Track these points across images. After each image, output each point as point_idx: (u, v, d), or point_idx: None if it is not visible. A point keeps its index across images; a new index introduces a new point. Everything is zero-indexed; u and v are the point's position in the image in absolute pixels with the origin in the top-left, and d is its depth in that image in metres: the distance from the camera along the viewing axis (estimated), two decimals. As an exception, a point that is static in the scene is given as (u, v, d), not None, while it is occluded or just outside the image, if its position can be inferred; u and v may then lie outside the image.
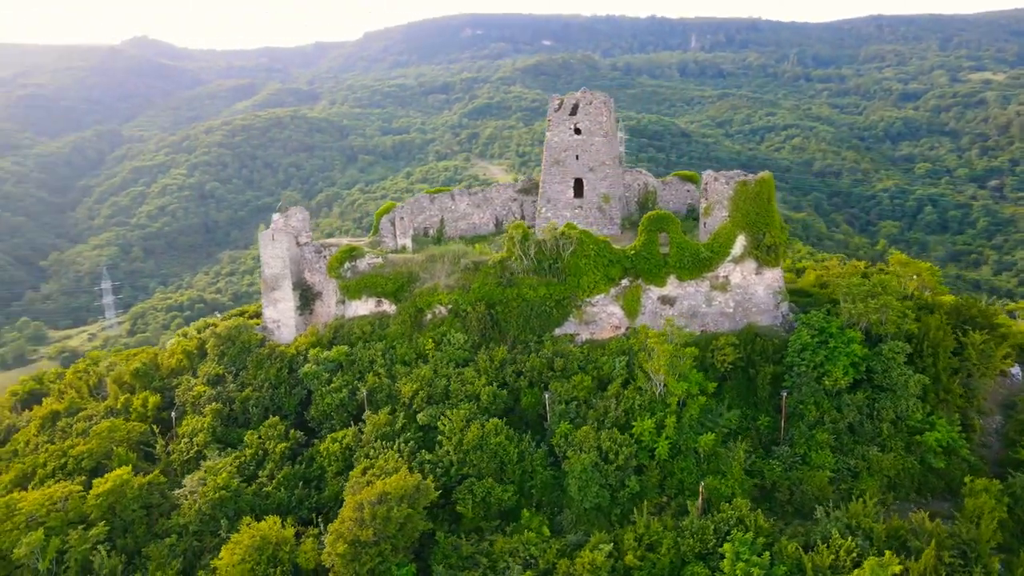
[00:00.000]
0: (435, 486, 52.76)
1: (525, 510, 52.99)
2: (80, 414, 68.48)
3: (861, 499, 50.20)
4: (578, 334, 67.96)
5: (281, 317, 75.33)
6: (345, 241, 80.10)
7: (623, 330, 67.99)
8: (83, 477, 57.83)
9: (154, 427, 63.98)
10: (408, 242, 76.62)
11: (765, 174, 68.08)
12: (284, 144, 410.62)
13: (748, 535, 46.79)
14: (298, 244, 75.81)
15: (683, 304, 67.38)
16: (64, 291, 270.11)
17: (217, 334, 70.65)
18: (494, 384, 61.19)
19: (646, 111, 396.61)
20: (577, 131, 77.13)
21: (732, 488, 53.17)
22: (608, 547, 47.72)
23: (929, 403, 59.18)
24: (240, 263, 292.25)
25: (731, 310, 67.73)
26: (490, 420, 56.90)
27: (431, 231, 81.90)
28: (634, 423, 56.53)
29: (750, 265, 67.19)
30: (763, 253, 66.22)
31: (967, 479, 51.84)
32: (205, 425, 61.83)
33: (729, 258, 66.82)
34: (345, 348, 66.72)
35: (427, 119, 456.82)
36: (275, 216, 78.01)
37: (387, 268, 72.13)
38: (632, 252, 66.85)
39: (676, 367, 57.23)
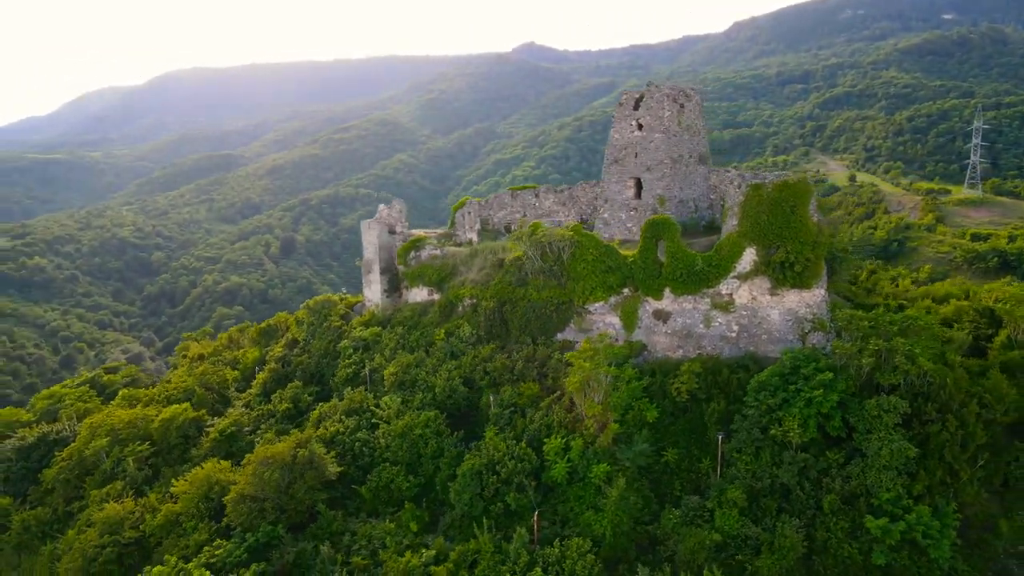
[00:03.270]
0: (360, 465, 57.48)
1: (408, 502, 54.53)
2: (217, 358, 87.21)
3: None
4: (576, 341, 65.07)
5: (373, 297, 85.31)
6: (437, 233, 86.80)
7: (620, 342, 63.20)
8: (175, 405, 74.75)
9: (233, 376, 79.00)
10: (474, 236, 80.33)
11: (794, 177, 57.25)
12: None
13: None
14: (391, 233, 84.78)
15: (676, 322, 60.19)
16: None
17: (308, 306, 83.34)
18: (457, 379, 62.70)
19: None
20: (640, 127, 72.33)
21: (605, 528, 47.82)
22: (431, 554, 47.59)
23: (920, 483, 44.88)
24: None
25: (734, 334, 58.41)
26: (423, 412, 59.09)
27: (513, 227, 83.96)
28: (546, 440, 53.70)
29: (762, 284, 57.18)
30: (776, 271, 55.82)
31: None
32: (260, 380, 74.66)
33: (733, 274, 57.70)
34: (377, 329, 73.87)
35: (776, 111, 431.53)
36: (381, 206, 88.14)
37: (438, 260, 77.19)
38: (631, 260, 61.77)
39: (594, 387, 52.66)
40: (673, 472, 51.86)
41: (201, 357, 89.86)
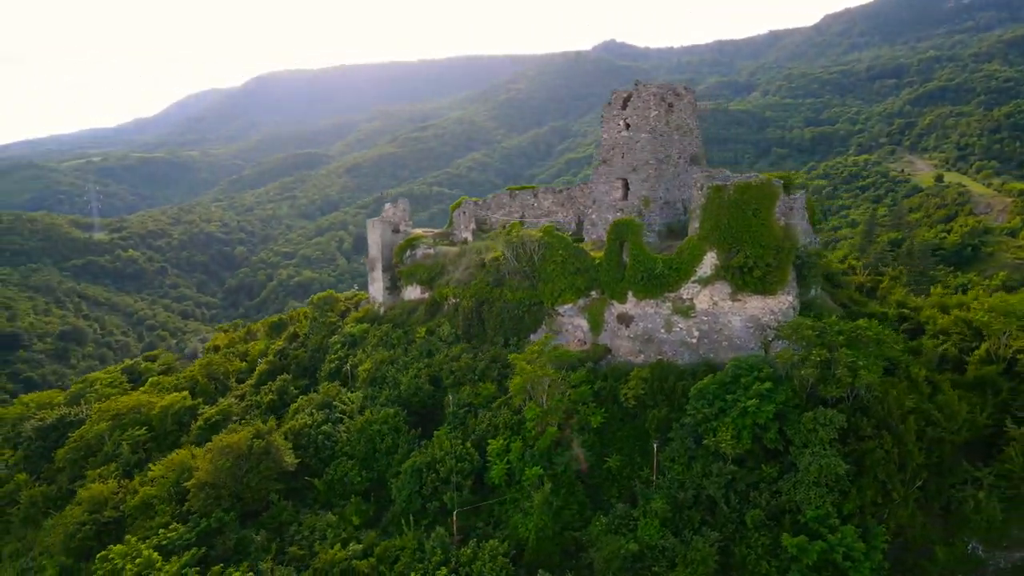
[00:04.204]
0: (322, 457, 59.33)
1: (355, 496, 55.70)
2: (231, 349, 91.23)
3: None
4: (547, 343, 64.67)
5: (376, 294, 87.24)
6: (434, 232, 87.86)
7: (587, 345, 62.48)
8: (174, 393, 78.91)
9: (236, 367, 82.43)
10: (469, 236, 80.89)
11: (757, 179, 55.16)
12: (701, 137, 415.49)
13: None
14: (394, 232, 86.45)
15: (638, 326, 58.92)
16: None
17: (312, 302, 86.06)
18: (424, 377, 63.51)
19: None
20: (628, 127, 71.09)
21: (530, 532, 47.54)
22: (358, 548, 48.59)
23: (852, 502, 42.51)
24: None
25: (694, 340, 56.70)
26: (384, 409, 60.22)
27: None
28: (490, 441, 53.77)
29: (723, 289, 55.32)
30: (735, 275, 53.95)
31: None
32: (258, 372, 77.77)
33: (694, 278, 56.02)
34: (365, 326, 75.64)
35: (863, 108, 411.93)
36: (387, 205, 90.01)
37: (430, 259, 78.22)
38: (597, 262, 60.96)
39: (536, 391, 52.35)
40: (614, 479, 51.00)
41: (216, 348, 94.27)
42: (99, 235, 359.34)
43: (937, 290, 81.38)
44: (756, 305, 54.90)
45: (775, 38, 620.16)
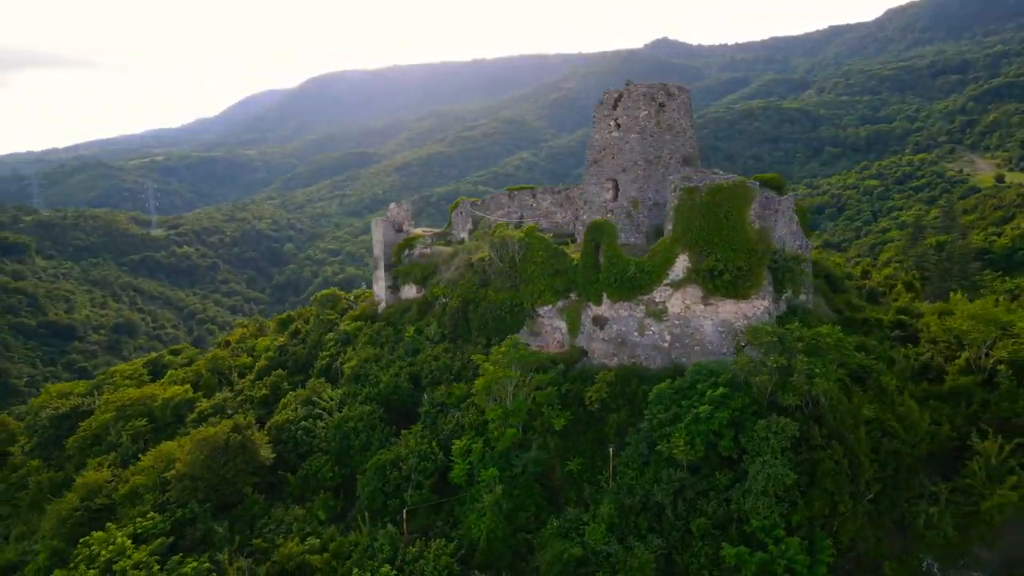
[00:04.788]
0: (300, 453, 60.62)
1: (324, 492, 56.61)
2: (241, 344, 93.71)
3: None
4: (528, 344, 64.53)
5: (379, 293, 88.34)
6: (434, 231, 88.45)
7: (566, 347, 62.12)
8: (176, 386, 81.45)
9: (241, 362, 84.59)
10: (465, 236, 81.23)
11: (729, 181, 54.06)
12: (750, 136, 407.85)
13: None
14: (397, 231, 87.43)
15: (612, 328, 58.26)
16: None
17: (316, 299, 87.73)
18: (404, 376, 64.15)
19: None
20: (618, 127, 70.36)
21: (481, 532, 47.63)
22: (315, 542, 49.47)
23: (800, 513, 41.29)
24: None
25: (666, 344, 55.80)
26: (360, 406, 61.05)
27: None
28: (455, 441, 54.01)
29: (694, 293, 54.32)
30: (705, 279, 52.93)
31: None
32: (257, 368, 79.74)
33: (666, 281, 55.13)
34: (359, 323, 76.76)
35: (924, 105, 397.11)
36: (391, 205, 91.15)
37: (425, 258, 78.86)
38: (575, 263, 60.56)
39: (499, 392, 52.37)
40: (575, 481, 50.65)
41: (227, 343, 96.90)
42: (156, 232, 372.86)
43: (955, 297, 78.01)
44: (729, 309, 53.76)
45: (833, 33, 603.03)
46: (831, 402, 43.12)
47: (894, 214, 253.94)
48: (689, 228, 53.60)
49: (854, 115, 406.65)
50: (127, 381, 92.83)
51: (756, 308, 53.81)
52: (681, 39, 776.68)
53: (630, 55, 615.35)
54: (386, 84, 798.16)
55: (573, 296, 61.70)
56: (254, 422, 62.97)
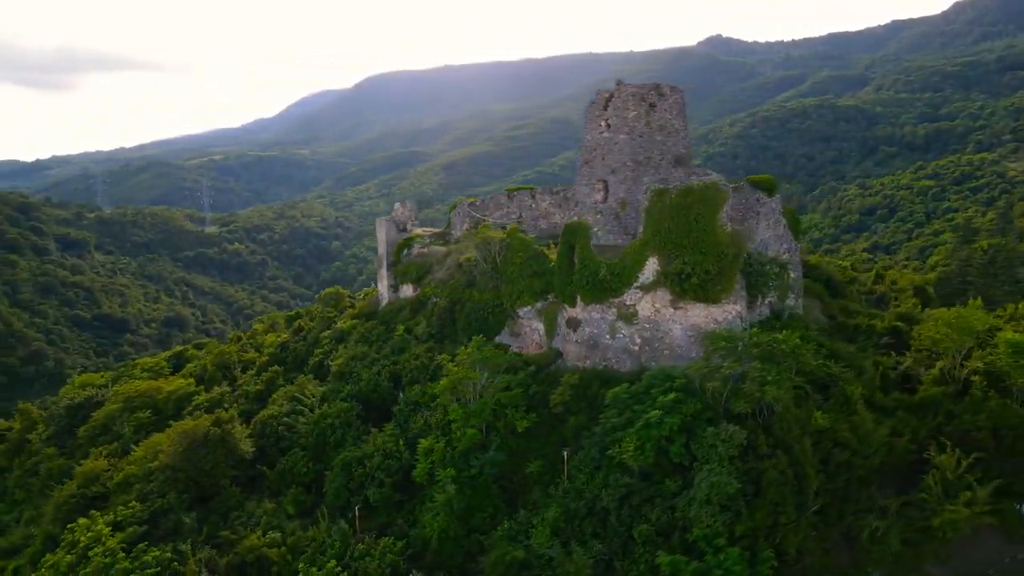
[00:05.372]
0: (281, 447, 61.94)
1: (296, 487, 57.61)
2: (251, 340, 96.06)
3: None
4: (509, 345, 64.47)
5: (383, 291, 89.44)
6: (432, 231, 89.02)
7: (544, 349, 61.83)
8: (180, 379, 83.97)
9: (249, 358, 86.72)
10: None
11: (700, 183, 52.99)
12: (802, 134, 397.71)
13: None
14: (400, 231, 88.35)
15: (584, 331, 57.73)
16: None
17: (320, 297, 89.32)
18: (384, 374, 64.82)
19: None
20: (609, 127, 69.61)
21: (434, 530, 47.85)
22: (275, 536, 50.48)
23: (744, 523, 40.23)
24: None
25: (636, 347, 55.04)
26: (338, 403, 61.96)
27: (491, 229, 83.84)
28: (421, 440, 54.32)
29: (664, 296, 53.45)
30: (675, 282, 52.03)
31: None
32: (258, 363, 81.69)
33: (637, 284, 54.37)
34: (353, 322, 77.89)
35: (989, 102, 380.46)
36: (396, 204, 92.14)
37: (422, 258, 79.50)
38: (552, 265, 60.24)
39: (462, 392, 52.51)
40: (535, 483, 50.41)
41: (239, 339, 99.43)
42: (210, 229, 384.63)
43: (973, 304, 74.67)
44: (698, 313, 52.72)
45: (896, 28, 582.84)
46: (781, 410, 41.89)
47: (948, 216, 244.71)
48: (658, 230, 52.80)
49: (913, 113, 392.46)
50: (144, 374, 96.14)
51: (727, 313, 52.63)
52: (736, 36, 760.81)
53: (681, 53, 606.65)
54: (437, 84, 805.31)
55: (551, 298, 61.39)
56: (237, 416, 64.52)
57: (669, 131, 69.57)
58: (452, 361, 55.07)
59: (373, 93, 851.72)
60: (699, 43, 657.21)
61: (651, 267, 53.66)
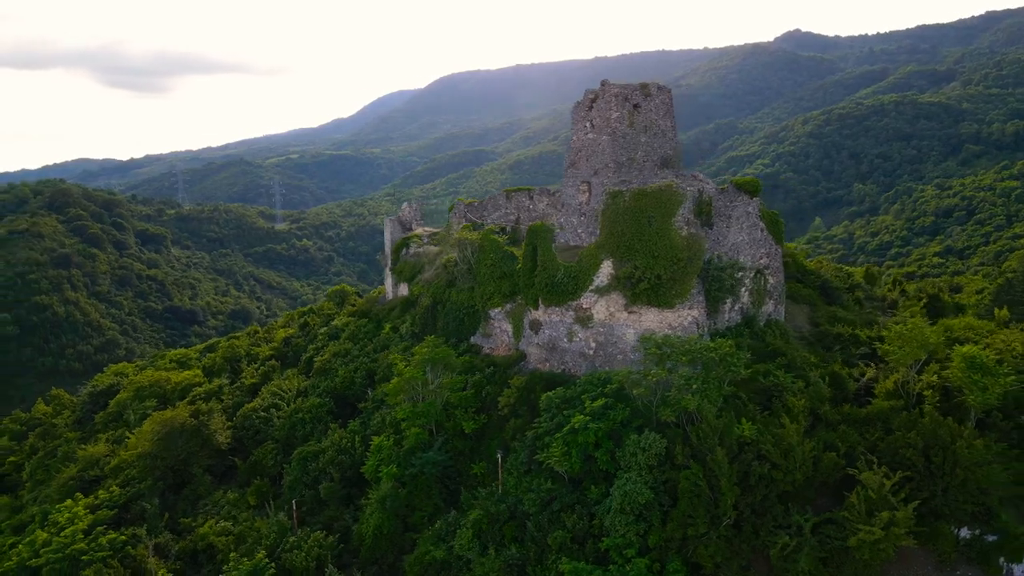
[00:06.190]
0: (258, 439, 63.99)
1: (259, 479, 59.23)
2: (264, 336, 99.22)
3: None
4: (482, 346, 64.53)
5: (388, 290, 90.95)
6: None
7: (512, 350, 61.59)
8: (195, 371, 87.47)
9: (249, 351, 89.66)
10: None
11: (654, 185, 51.86)
12: (879, 133, 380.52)
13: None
14: (405, 231, 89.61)
15: (545, 333, 57.21)
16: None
17: (328, 294, 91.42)
18: (360, 371, 65.93)
19: None
20: (594, 128, 68.65)
21: (369, 528, 48.46)
22: (227, 525, 52.15)
23: (656, 534, 39.17)
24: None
25: (591, 351, 54.21)
26: (311, 398, 63.43)
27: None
28: (374, 438, 55.07)
29: (618, 300, 52.45)
30: (627, 286, 51.05)
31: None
32: (262, 357, 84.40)
33: (592, 287, 53.54)
34: (348, 319, 79.50)
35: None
36: (404, 205, 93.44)
37: (416, 257, 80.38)
38: (519, 267, 59.97)
39: (408, 390, 52.93)
40: (478, 484, 50.37)
41: (254, 333, 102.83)
42: (280, 225, 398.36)
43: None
44: (652, 319, 51.49)
45: (991, 20, 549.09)
46: (699, 420, 40.58)
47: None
48: (612, 233, 51.91)
49: (1003, 110, 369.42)
50: (172, 364, 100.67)
51: (682, 318, 51.22)
52: (817, 31, 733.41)
53: (755, 49, 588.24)
54: (508, 83, 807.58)
55: (519, 299, 61.11)
56: (218, 408, 66.88)
57: (655, 132, 68.14)
58: (402, 360, 55.46)
59: (444, 93, 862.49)
60: (776, 38, 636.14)
61: (605, 271, 52.78)
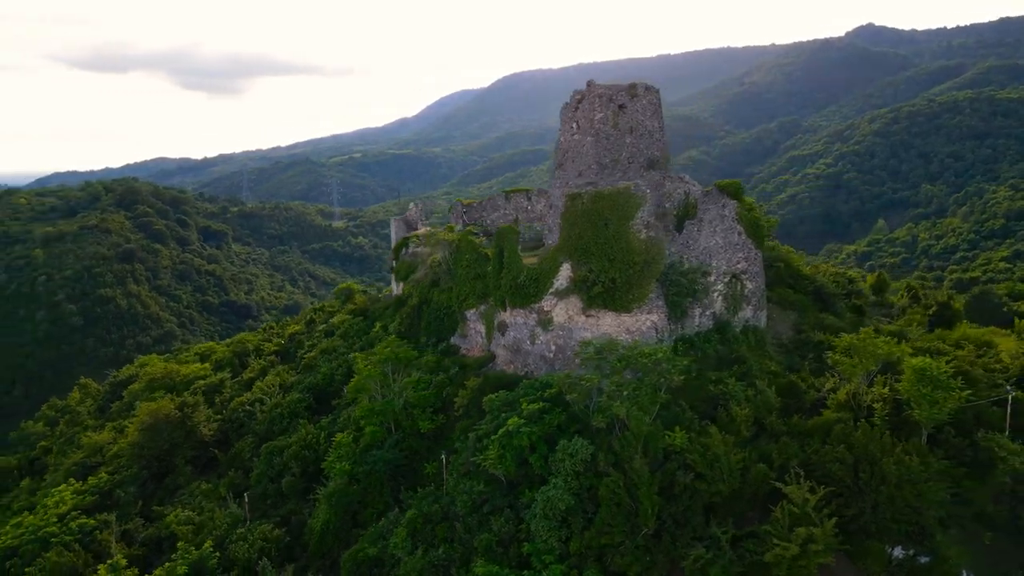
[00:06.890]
0: (242, 432, 65.80)
1: (235, 470, 60.77)
2: (275, 332, 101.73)
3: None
4: (460, 346, 64.62)
5: (394, 288, 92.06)
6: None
7: (485, 351, 61.47)
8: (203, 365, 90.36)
9: (255, 349, 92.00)
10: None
11: (612, 188, 50.99)
12: (951, 131, 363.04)
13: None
14: (410, 231, 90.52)
15: (510, 335, 56.87)
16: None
17: (333, 293, 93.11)
18: (341, 368, 66.98)
19: None
20: (579, 128, 67.84)
21: (318, 523, 49.22)
22: (191, 515, 53.75)
23: (576, 541, 38.53)
24: (837, 255, 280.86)
25: (551, 354, 53.66)
26: (292, 394, 64.77)
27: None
28: (338, 435, 55.85)
29: (575, 303, 51.76)
30: (583, 289, 50.39)
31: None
32: (268, 350, 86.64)
33: (552, 290, 52.97)
34: (345, 317, 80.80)
35: None
36: (411, 205, 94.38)
37: (413, 257, 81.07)
38: (489, 268, 59.80)
39: (368, 388, 53.50)
40: (431, 483, 50.52)
41: (268, 328, 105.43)
42: (337, 223, 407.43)
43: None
44: (609, 323, 50.67)
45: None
46: (628, 427, 39.70)
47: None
48: (571, 236, 51.27)
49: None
50: (194, 357, 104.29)
51: (641, 322, 50.20)
52: (891, 25, 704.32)
53: (825, 45, 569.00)
54: (570, 82, 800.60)
55: (491, 301, 60.95)
56: (202, 401, 68.97)
57: (640, 133, 66.89)
58: (362, 359, 56.07)
59: (506, 92, 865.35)
60: (847, 33, 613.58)
61: (564, 273, 52.20)
